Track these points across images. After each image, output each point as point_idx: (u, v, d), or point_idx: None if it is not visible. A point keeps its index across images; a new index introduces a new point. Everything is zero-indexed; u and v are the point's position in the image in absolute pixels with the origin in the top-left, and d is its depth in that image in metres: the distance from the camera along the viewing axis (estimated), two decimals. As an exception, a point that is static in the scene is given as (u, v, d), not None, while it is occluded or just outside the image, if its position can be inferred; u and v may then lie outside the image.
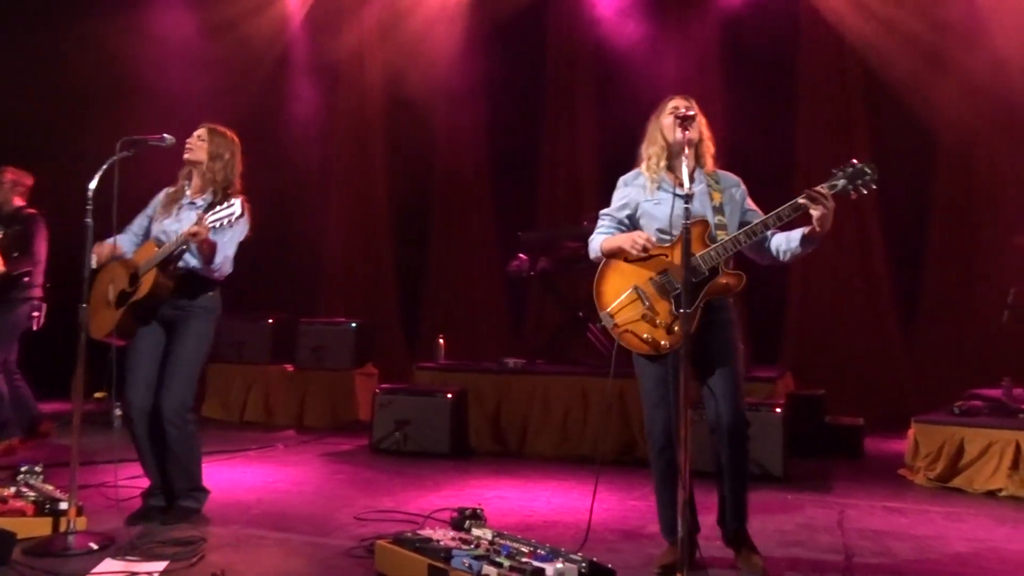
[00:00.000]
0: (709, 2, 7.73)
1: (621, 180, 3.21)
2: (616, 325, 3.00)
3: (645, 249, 2.97)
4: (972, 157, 7.03)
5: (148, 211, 3.78)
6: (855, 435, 5.48)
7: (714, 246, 2.96)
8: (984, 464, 4.47)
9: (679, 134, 2.96)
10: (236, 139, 3.73)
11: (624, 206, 3.15)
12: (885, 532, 3.62)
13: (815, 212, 2.88)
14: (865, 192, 2.91)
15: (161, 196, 3.76)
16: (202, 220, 3.34)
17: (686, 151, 2.89)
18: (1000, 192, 6.91)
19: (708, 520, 3.46)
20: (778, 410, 4.74)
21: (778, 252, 3.07)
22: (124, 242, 3.70)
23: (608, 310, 3.03)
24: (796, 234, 3.02)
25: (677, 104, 3.08)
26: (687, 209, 2.74)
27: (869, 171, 2.91)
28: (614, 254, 3.08)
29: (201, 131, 3.68)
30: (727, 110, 7.41)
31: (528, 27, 8.20)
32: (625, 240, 3.02)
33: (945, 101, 7.07)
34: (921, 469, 4.65)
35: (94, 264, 3.50)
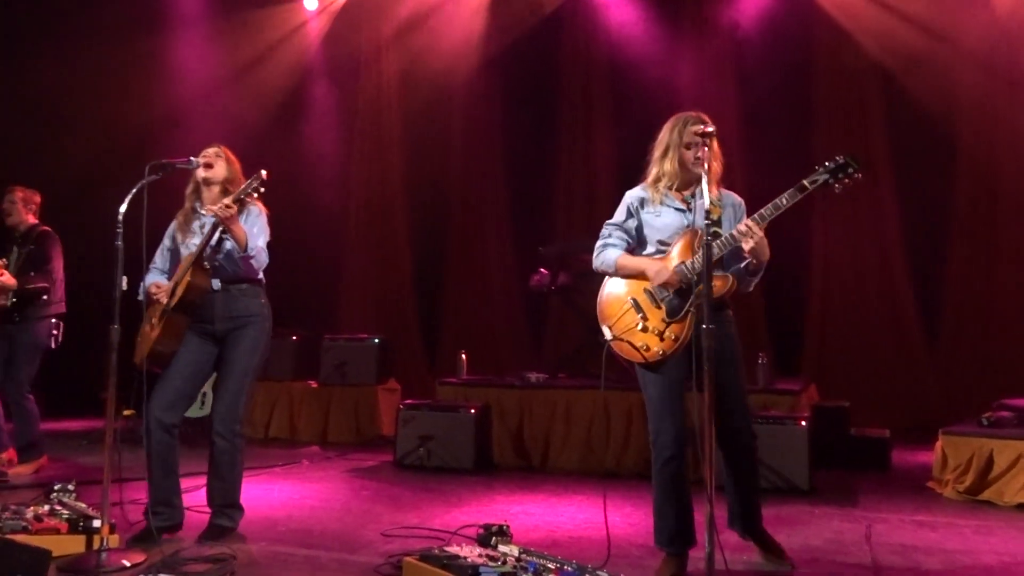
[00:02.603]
0: (723, 12, 7.75)
1: (629, 193, 3.29)
2: (614, 336, 3.11)
3: (670, 284, 3.04)
4: (995, 163, 6.99)
5: (167, 243, 3.80)
6: (881, 447, 5.44)
7: (695, 256, 3.03)
8: (1014, 476, 4.41)
9: (699, 167, 2.95)
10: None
11: (630, 217, 3.24)
12: (914, 547, 3.59)
13: (745, 246, 2.94)
14: (849, 183, 2.98)
15: (174, 224, 3.78)
16: (225, 199, 3.44)
17: (704, 179, 2.87)
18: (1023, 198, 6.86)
19: (733, 537, 3.45)
20: (803, 423, 4.72)
21: (740, 279, 3.11)
22: (156, 279, 3.73)
23: (607, 322, 3.16)
24: (743, 264, 3.08)
25: (698, 130, 2.97)
26: (709, 226, 2.80)
27: (853, 164, 2.96)
28: (631, 275, 3.16)
29: (216, 149, 3.72)
30: (743, 118, 7.44)
31: (543, 40, 8.26)
32: (649, 268, 3.09)
33: (966, 106, 7.04)
34: (950, 482, 4.60)
35: (124, 286, 3.56)
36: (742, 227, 2.94)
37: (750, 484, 3.26)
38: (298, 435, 6.75)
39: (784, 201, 2.95)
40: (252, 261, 3.56)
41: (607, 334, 3.12)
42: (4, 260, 5.04)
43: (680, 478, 3.08)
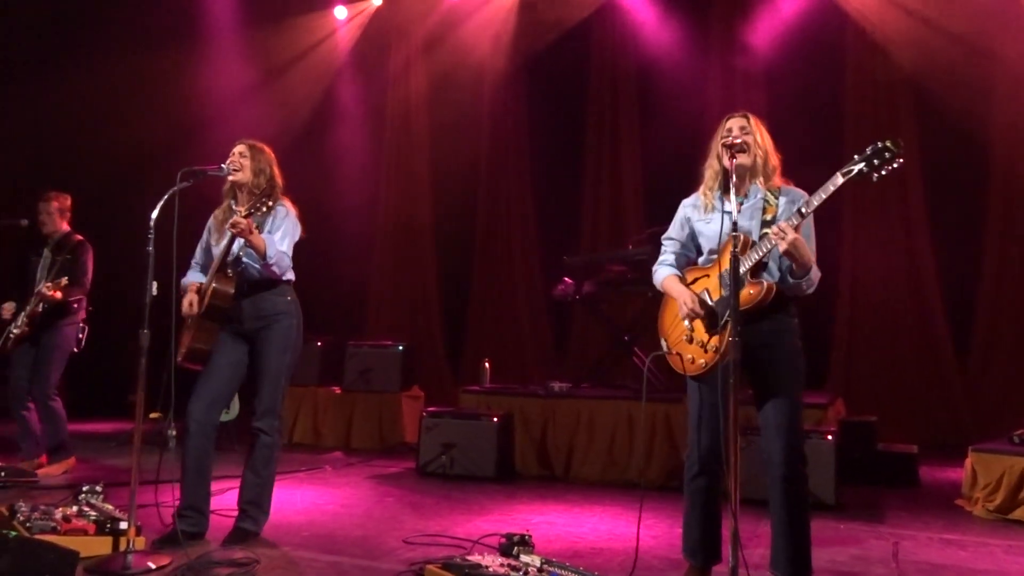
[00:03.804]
0: (753, 24, 7.71)
1: (683, 202, 3.23)
2: (668, 348, 3.07)
3: (690, 316, 2.98)
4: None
5: (203, 241, 3.86)
6: (909, 463, 5.36)
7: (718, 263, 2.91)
8: (1047, 496, 4.33)
9: (726, 161, 2.93)
10: (271, 152, 3.82)
11: (684, 227, 3.17)
12: (943, 566, 3.53)
13: (780, 248, 2.78)
14: (887, 171, 2.66)
15: (211, 221, 3.85)
16: (240, 213, 3.48)
17: (733, 178, 2.89)
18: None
19: (757, 551, 3.41)
20: (830, 437, 4.67)
21: (786, 282, 2.97)
22: (196, 278, 3.80)
23: (664, 335, 3.11)
24: (787, 266, 2.92)
25: (731, 127, 3.06)
26: (736, 236, 2.76)
27: (892, 148, 2.62)
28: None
29: (241, 148, 3.74)
30: (771, 129, 7.36)
31: (571, 52, 8.27)
32: (680, 298, 3.01)
33: (999, 116, 6.93)
34: (979, 500, 4.52)
35: (154, 291, 3.61)
36: (775, 228, 2.78)
37: (793, 524, 2.87)
38: (322, 440, 6.79)
39: (820, 196, 2.73)
40: (273, 268, 3.60)
41: (664, 346, 3.07)
42: (64, 279, 5.00)
43: (706, 493, 3.03)
